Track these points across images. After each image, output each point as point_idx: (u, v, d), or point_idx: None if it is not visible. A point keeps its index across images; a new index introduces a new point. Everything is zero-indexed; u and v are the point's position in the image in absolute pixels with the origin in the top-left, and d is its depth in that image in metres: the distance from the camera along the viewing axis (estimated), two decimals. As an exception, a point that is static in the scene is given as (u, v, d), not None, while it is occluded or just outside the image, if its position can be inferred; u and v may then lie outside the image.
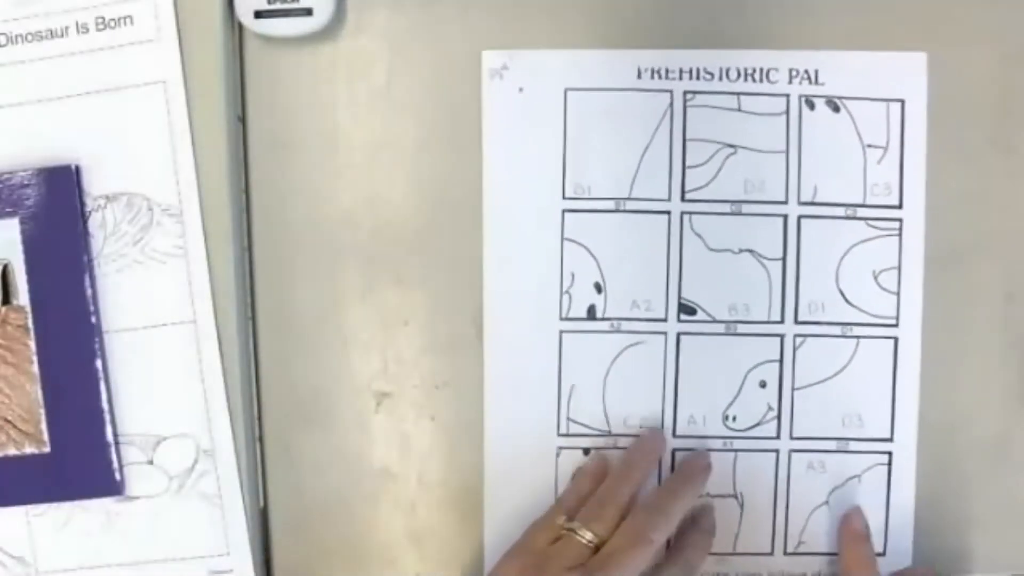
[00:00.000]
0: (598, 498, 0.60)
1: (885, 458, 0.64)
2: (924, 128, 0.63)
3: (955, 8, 0.63)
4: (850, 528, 0.63)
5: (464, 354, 0.64)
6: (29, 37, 0.62)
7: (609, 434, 0.64)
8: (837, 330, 0.63)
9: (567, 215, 0.63)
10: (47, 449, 0.62)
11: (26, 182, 0.61)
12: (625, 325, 0.64)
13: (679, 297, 0.64)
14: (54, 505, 0.63)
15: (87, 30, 0.61)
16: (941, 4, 0.63)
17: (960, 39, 0.63)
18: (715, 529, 0.64)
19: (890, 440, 0.64)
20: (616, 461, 0.63)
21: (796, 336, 0.63)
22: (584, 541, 0.58)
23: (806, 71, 0.63)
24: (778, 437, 0.64)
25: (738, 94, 0.63)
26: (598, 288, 0.64)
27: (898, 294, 0.63)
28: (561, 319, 0.64)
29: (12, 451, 0.62)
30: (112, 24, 0.62)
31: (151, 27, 0.62)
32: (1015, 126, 0.63)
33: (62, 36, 0.62)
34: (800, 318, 0.63)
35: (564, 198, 0.63)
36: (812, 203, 0.63)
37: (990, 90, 0.63)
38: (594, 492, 0.61)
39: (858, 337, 0.63)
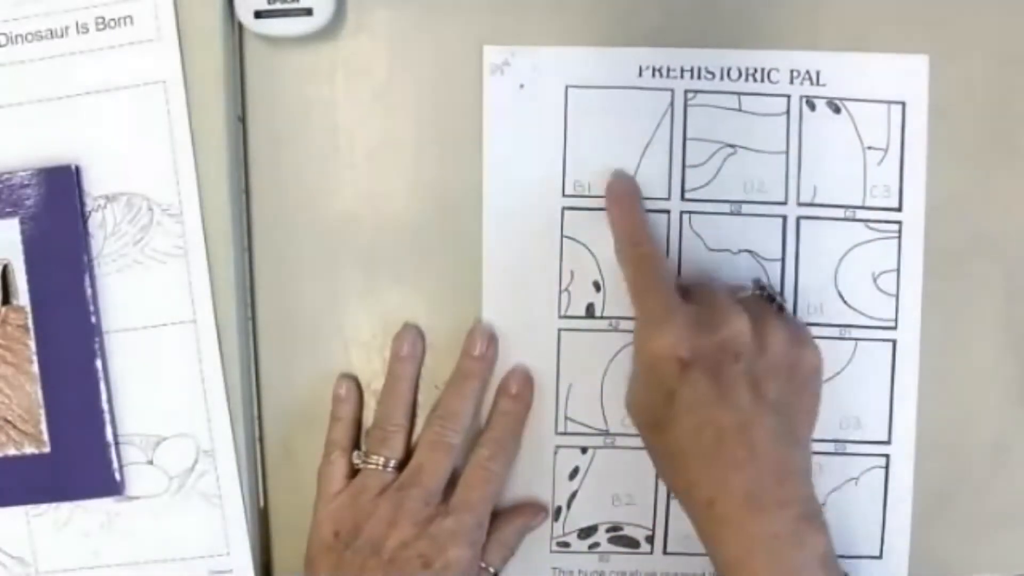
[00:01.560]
0: (377, 424, 0.62)
1: (883, 460, 0.64)
2: (925, 131, 0.63)
3: (956, 11, 0.63)
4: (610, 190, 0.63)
5: (464, 353, 0.64)
6: (29, 37, 0.62)
7: (607, 433, 0.64)
8: (835, 332, 0.63)
9: (567, 212, 0.63)
10: (47, 449, 0.62)
11: (26, 182, 0.61)
12: (624, 324, 0.63)
13: (678, 297, 0.64)
14: (54, 505, 0.63)
15: (87, 30, 0.61)
16: (943, 7, 0.63)
17: (961, 41, 0.63)
18: (539, 516, 0.64)
19: (888, 443, 0.64)
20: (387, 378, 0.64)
21: (795, 337, 0.63)
22: (380, 467, 0.61)
23: (807, 72, 0.63)
24: (776, 438, 0.64)
25: (739, 94, 0.63)
26: (597, 287, 0.63)
27: (897, 296, 0.63)
28: (560, 317, 0.64)
29: (12, 451, 0.62)
30: (112, 24, 0.61)
31: (151, 27, 0.61)
32: (1015, 127, 0.63)
33: (62, 36, 0.61)
34: (799, 319, 0.63)
35: (564, 195, 0.63)
36: (811, 204, 0.63)
37: (991, 92, 0.63)
38: (355, 415, 0.64)
39: (856, 339, 0.63)
